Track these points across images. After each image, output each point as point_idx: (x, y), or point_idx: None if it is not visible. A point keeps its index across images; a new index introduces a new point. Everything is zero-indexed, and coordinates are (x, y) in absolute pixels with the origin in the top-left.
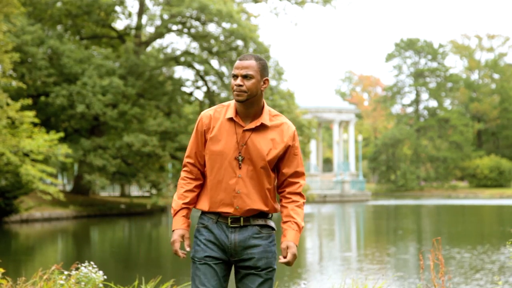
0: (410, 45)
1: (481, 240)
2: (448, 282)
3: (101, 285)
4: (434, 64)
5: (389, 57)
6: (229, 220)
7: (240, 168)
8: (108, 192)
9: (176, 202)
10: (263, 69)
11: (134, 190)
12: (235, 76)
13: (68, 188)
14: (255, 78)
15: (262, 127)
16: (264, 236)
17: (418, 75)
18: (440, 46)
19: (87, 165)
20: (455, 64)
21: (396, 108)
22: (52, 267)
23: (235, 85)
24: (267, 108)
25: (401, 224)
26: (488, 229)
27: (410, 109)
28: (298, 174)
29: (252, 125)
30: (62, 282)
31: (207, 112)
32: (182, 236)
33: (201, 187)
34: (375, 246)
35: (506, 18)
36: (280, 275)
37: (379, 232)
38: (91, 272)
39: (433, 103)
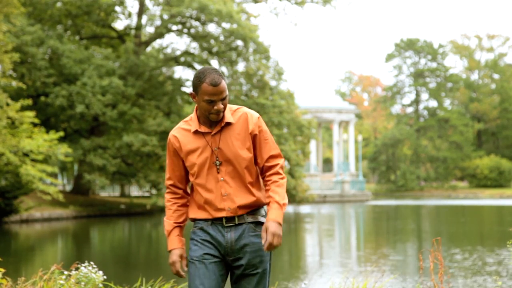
0: (410, 45)
1: (481, 240)
2: (448, 283)
3: (101, 285)
4: (434, 64)
5: (389, 57)
6: (224, 220)
7: (218, 172)
8: (108, 192)
9: (168, 222)
10: (225, 81)
11: (134, 190)
12: (212, 102)
13: (68, 188)
14: (227, 94)
15: (228, 126)
16: (259, 234)
17: (418, 75)
18: (440, 46)
19: (87, 164)
20: (455, 64)
21: (396, 108)
22: (52, 267)
23: (216, 110)
24: (227, 106)
25: (401, 225)
26: (488, 229)
27: (410, 109)
28: (274, 156)
29: (218, 127)
30: (62, 282)
31: (173, 132)
32: (181, 256)
33: (186, 205)
34: (375, 246)
35: (506, 18)
36: (281, 275)
37: (379, 232)
38: (91, 272)
39: (433, 103)
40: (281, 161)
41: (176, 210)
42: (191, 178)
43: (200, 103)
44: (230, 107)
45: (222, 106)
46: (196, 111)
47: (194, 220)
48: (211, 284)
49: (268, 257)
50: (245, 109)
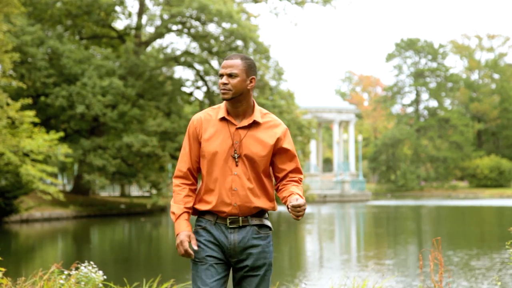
0: (410, 45)
1: (481, 241)
2: (447, 283)
3: (101, 285)
4: (434, 64)
5: (389, 57)
6: (228, 221)
7: (237, 165)
8: (108, 192)
9: (177, 206)
10: (249, 68)
11: (134, 190)
12: (221, 75)
13: (68, 188)
14: (240, 76)
15: (255, 125)
16: (262, 237)
17: (418, 75)
18: (440, 46)
19: (87, 165)
20: (455, 64)
21: (396, 108)
22: (52, 266)
23: (220, 83)
24: (257, 107)
25: (401, 225)
26: (488, 230)
27: (410, 109)
28: (298, 170)
29: (245, 122)
30: (62, 281)
31: (198, 116)
32: (189, 237)
33: (195, 192)
34: (375, 246)
35: (506, 18)
36: (281, 275)
37: (379, 232)
38: (91, 272)
39: (433, 103)
40: (302, 176)
41: (187, 195)
42: (203, 166)
43: None
44: (260, 109)
45: (226, 81)
46: None
47: (196, 212)
48: (213, 285)
49: (271, 260)
50: (274, 116)
